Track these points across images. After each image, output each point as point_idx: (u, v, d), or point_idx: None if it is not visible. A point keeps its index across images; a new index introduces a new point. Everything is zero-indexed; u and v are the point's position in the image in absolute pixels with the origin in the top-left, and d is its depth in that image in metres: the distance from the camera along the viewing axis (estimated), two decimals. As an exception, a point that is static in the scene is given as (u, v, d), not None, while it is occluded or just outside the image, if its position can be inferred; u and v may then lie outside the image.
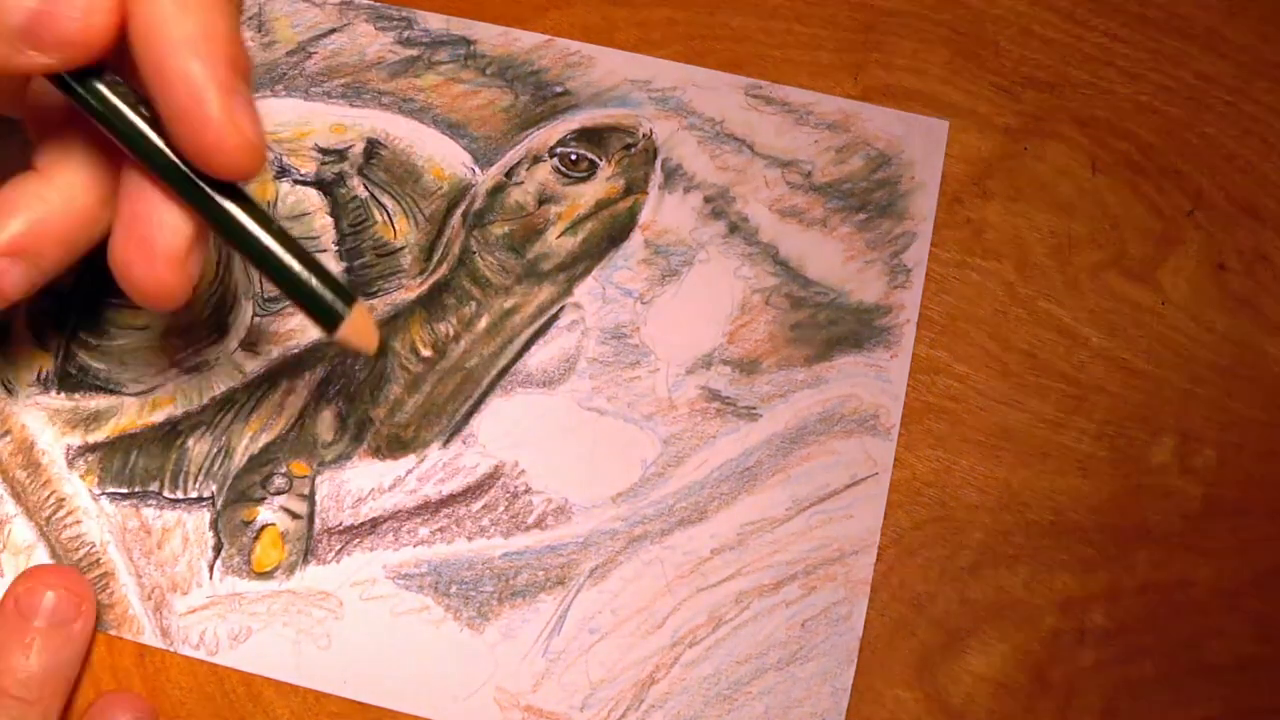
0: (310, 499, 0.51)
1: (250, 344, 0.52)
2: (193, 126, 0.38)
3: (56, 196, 0.41)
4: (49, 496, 0.51)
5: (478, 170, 0.54)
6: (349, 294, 0.42)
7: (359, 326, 0.42)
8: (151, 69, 0.38)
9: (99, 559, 0.50)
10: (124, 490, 0.51)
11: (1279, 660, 0.50)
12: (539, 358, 0.52)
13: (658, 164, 0.54)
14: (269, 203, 0.54)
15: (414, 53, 0.55)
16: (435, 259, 0.53)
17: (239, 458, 0.51)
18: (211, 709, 0.49)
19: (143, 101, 0.39)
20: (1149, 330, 0.53)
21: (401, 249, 0.54)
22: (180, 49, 0.37)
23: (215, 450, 0.51)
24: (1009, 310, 0.53)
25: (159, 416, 0.52)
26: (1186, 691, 0.50)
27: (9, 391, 0.52)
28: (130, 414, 0.52)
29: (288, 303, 0.52)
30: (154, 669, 0.50)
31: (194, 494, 0.51)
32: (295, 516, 0.51)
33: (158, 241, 0.40)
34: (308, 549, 0.50)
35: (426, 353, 0.52)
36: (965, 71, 0.55)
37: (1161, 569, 0.51)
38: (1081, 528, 0.51)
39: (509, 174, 0.54)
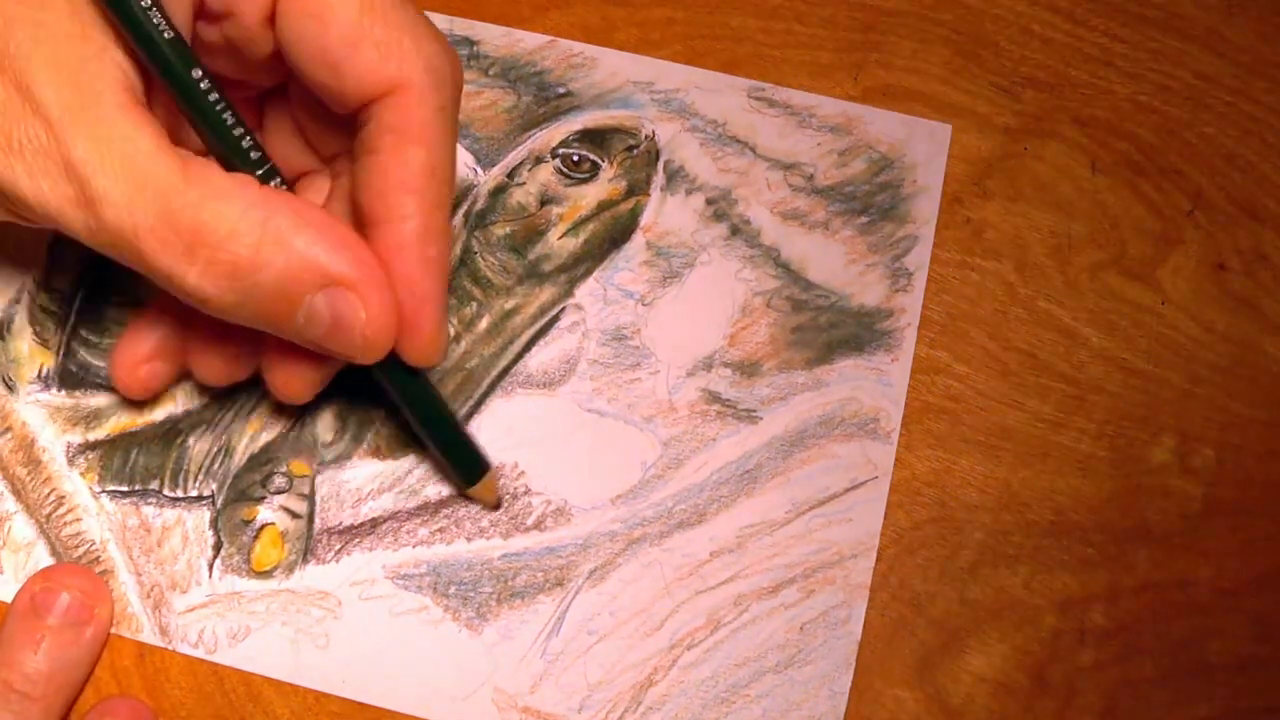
0: (310, 498, 0.51)
1: (251, 343, 0.52)
2: (409, 329, 0.45)
3: None
4: (49, 494, 0.51)
5: (480, 170, 0.54)
6: (486, 461, 0.50)
7: (489, 486, 0.50)
8: (395, 276, 0.44)
9: (98, 557, 0.50)
10: (124, 488, 0.51)
11: (1279, 660, 0.50)
12: (540, 359, 0.52)
13: (660, 166, 0.54)
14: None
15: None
16: (436, 259, 0.53)
17: (239, 457, 0.51)
18: (211, 709, 0.49)
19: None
20: (1149, 330, 0.53)
21: (402, 248, 0.54)
22: (419, 269, 0.45)
23: (216, 449, 0.51)
24: (1009, 310, 0.53)
25: (159, 415, 0.52)
26: (1186, 691, 0.50)
27: (10, 388, 0.52)
28: (131, 412, 0.52)
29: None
30: (154, 668, 0.50)
31: (194, 492, 0.51)
32: (295, 516, 0.51)
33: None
34: (307, 548, 0.50)
35: (427, 353, 0.52)
36: (965, 71, 0.55)
37: (1161, 569, 0.51)
38: (1081, 528, 0.51)
39: (511, 175, 0.54)
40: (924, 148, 0.54)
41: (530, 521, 0.51)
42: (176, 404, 0.52)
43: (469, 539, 0.50)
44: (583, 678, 0.49)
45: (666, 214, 0.54)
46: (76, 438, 0.51)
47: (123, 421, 0.52)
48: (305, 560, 0.50)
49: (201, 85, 0.42)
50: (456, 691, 0.49)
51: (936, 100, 0.55)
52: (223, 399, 0.51)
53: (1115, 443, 0.52)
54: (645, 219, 0.54)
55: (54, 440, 0.51)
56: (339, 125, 0.46)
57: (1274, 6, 0.56)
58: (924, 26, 0.56)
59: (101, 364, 0.52)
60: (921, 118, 0.55)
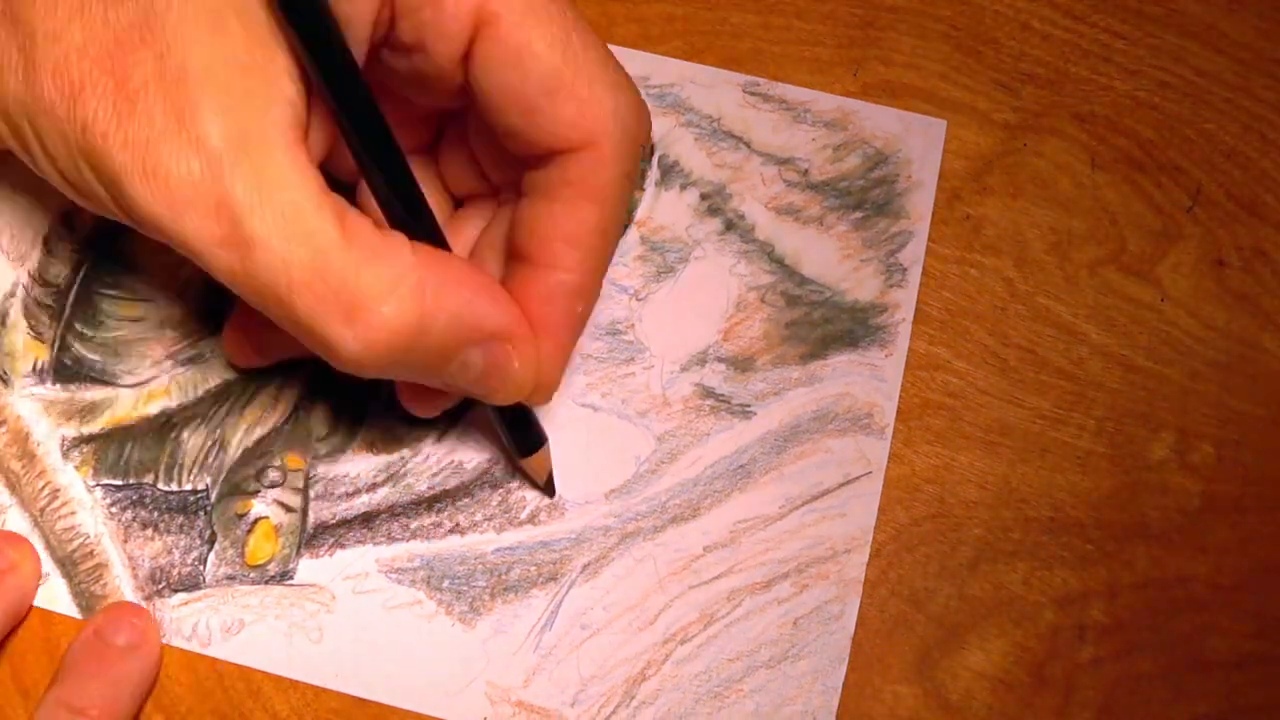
0: (304, 492, 0.51)
1: (246, 337, 0.53)
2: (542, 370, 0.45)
3: None
4: (44, 487, 0.51)
5: (475, 165, 0.54)
6: (543, 435, 0.50)
7: (542, 460, 0.50)
8: (537, 320, 0.45)
9: (93, 550, 0.50)
10: (119, 482, 0.51)
11: (1278, 657, 0.50)
12: (534, 353, 0.52)
13: (654, 160, 0.54)
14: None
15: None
16: (431, 254, 0.53)
17: (233, 450, 0.51)
18: (210, 704, 0.49)
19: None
20: (1148, 326, 0.53)
21: (398, 244, 0.54)
22: (562, 321, 0.45)
23: (210, 443, 0.51)
24: (1008, 306, 0.53)
25: (154, 409, 0.52)
26: (1185, 688, 0.49)
27: (4, 382, 0.52)
28: (125, 406, 0.52)
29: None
30: (151, 663, 0.50)
31: (188, 486, 0.51)
32: (289, 510, 0.51)
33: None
34: (301, 542, 0.50)
35: (421, 347, 0.52)
36: (965, 68, 0.55)
37: (1160, 565, 0.50)
38: (1080, 524, 0.51)
39: (507, 169, 0.54)
40: (919, 143, 0.54)
41: (524, 516, 0.51)
42: (171, 398, 0.52)
43: (462, 533, 0.50)
44: (576, 672, 0.49)
45: (661, 209, 0.54)
46: (71, 431, 0.51)
47: (117, 415, 0.52)
48: (299, 554, 0.50)
49: (378, 132, 0.41)
50: (450, 685, 0.49)
51: (936, 96, 0.55)
52: (217, 393, 0.51)
53: (1115, 439, 0.52)
54: (639, 214, 0.54)
55: (49, 434, 0.51)
56: (516, 160, 0.46)
57: (1274, 3, 0.56)
58: (924, 23, 0.56)
59: (96, 358, 0.52)
60: (918, 113, 0.55)
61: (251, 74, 0.39)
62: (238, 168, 0.38)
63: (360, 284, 0.39)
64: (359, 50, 0.41)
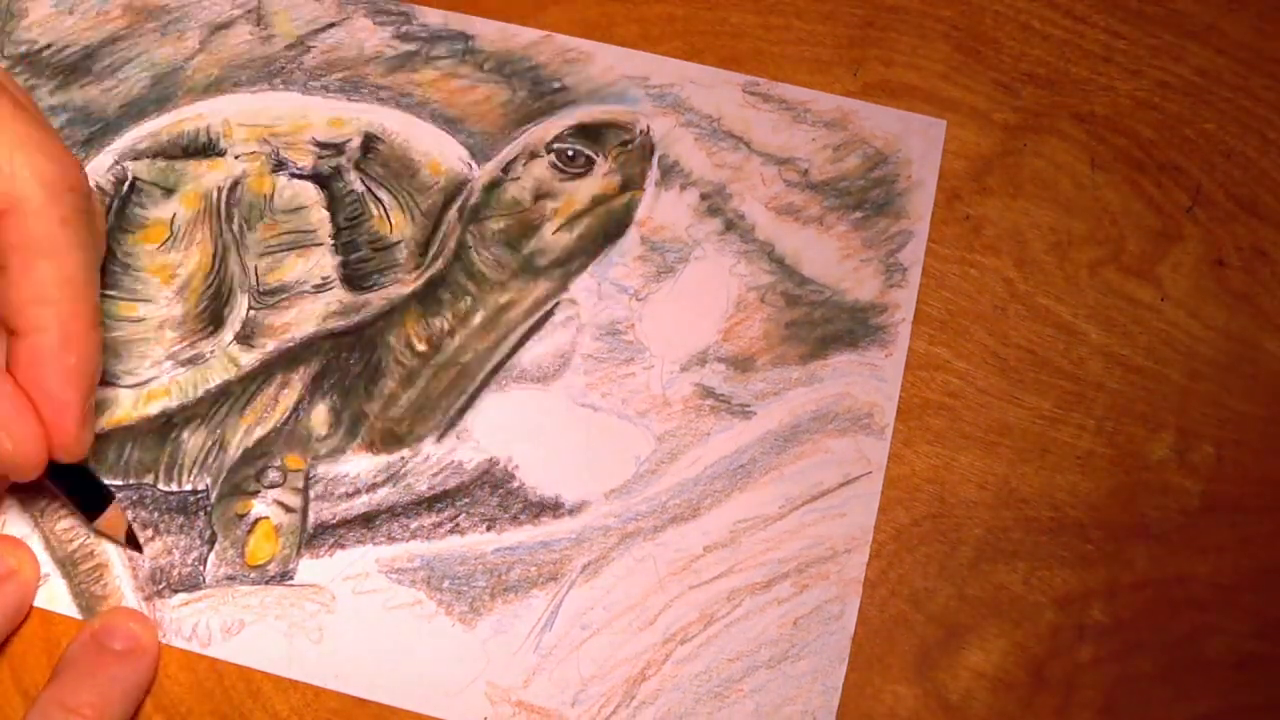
0: (304, 493, 0.51)
1: (245, 337, 0.53)
2: (51, 431, 0.46)
3: None
4: (43, 488, 0.51)
5: (474, 165, 0.54)
6: (108, 492, 0.50)
7: (114, 519, 0.50)
8: (37, 385, 0.45)
9: (93, 550, 0.50)
10: (119, 482, 0.51)
11: (1277, 656, 0.50)
12: (534, 353, 0.52)
13: (654, 161, 0.54)
14: (265, 196, 0.54)
15: (412, 48, 0.56)
16: (431, 254, 0.53)
17: (233, 451, 0.51)
18: (210, 704, 0.49)
19: None
20: (1148, 326, 0.53)
21: (397, 243, 0.54)
22: (58, 379, 0.45)
23: (210, 443, 0.51)
24: (1008, 306, 0.53)
25: (154, 409, 0.52)
26: (1185, 687, 0.49)
27: (4, 384, 0.52)
28: (125, 406, 0.52)
29: (285, 296, 0.53)
30: (152, 664, 0.50)
31: (188, 487, 0.51)
32: (289, 510, 0.51)
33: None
34: (301, 542, 0.50)
35: (421, 347, 0.52)
36: (965, 68, 0.55)
37: (1160, 565, 0.50)
38: (1080, 524, 0.51)
39: (506, 169, 0.54)
40: (919, 143, 0.54)
41: (524, 516, 0.51)
42: (171, 398, 0.52)
43: (462, 533, 0.50)
44: (576, 672, 0.49)
45: (661, 209, 0.54)
46: (71, 431, 0.51)
47: (117, 416, 0.52)
48: (299, 554, 0.50)
49: None
50: (450, 685, 0.49)
51: (936, 96, 0.55)
52: (217, 393, 0.51)
53: (1114, 439, 0.52)
54: (640, 214, 0.54)
55: (49, 434, 0.51)
56: None
57: (1274, 3, 0.56)
58: (924, 23, 0.56)
59: (96, 358, 0.52)
60: (917, 113, 0.55)
61: None
62: None
63: None
64: None
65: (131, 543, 0.50)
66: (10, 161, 0.43)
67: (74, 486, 0.49)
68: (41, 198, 0.44)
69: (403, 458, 0.51)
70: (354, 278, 0.53)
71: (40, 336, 0.45)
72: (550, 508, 0.51)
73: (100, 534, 0.51)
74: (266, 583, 0.50)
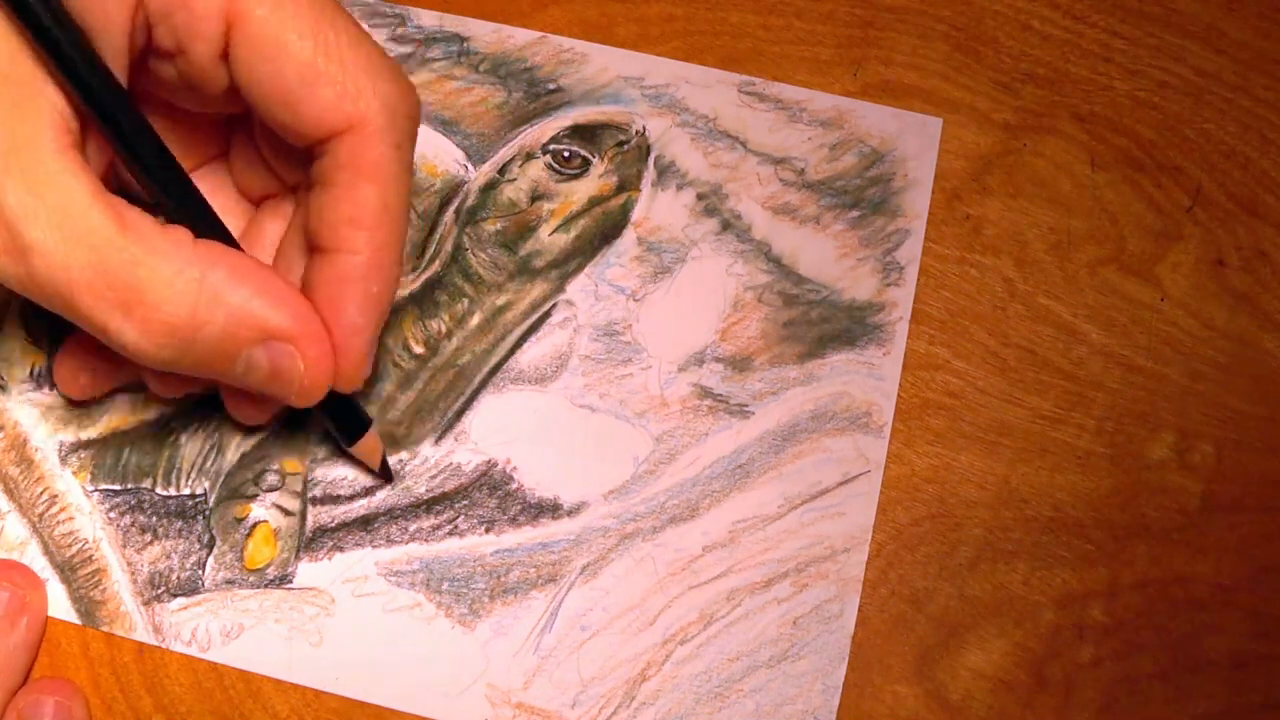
0: (303, 496, 0.51)
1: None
2: (337, 356, 0.45)
3: None
4: (42, 493, 0.51)
5: (470, 167, 0.54)
6: (367, 418, 0.50)
7: (370, 445, 0.50)
8: (333, 306, 0.45)
9: (91, 555, 0.50)
10: (117, 487, 0.51)
11: (1277, 656, 0.49)
12: (531, 355, 0.52)
13: (650, 161, 0.54)
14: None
15: (407, 50, 0.56)
16: (428, 255, 0.53)
17: (231, 454, 0.51)
18: (210, 706, 0.49)
19: None
20: (1148, 326, 0.53)
21: (395, 246, 0.54)
22: (357, 303, 0.45)
23: (208, 447, 0.51)
24: (1008, 306, 0.53)
25: (152, 413, 0.52)
26: (1185, 688, 0.49)
27: (2, 388, 0.52)
28: (123, 411, 0.52)
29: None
30: (153, 665, 0.50)
31: (186, 491, 0.51)
32: (288, 513, 0.51)
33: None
34: (300, 546, 0.50)
35: (419, 349, 0.52)
36: (964, 67, 0.55)
37: (1160, 565, 0.50)
38: (1080, 524, 0.51)
39: (502, 171, 0.54)
40: (915, 141, 0.54)
41: (523, 517, 0.51)
42: (169, 403, 0.52)
43: (461, 535, 0.50)
44: (576, 673, 0.49)
45: (657, 209, 0.54)
46: (69, 437, 0.51)
47: (115, 420, 0.52)
48: (298, 557, 0.50)
49: (138, 133, 0.42)
50: (450, 688, 0.49)
51: (936, 96, 0.55)
52: (215, 398, 0.51)
53: (1114, 439, 0.52)
54: (636, 214, 0.54)
55: (46, 439, 0.51)
56: (300, 154, 0.46)
57: (1274, 3, 0.56)
58: (924, 23, 0.56)
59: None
60: (914, 112, 0.55)
61: (13, 85, 0.40)
62: (8, 174, 0.39)
63: (137, 278, 0.40)
64: (118, 58, 0.42)
65: (384, 471, 0.51)
66: (356, 83, 0.43)
67: (337, 413, 0.49)
68: (382, 120, 0.44)
69: (401, 460, 0.51)
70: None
71: (349, 259, 0.45)
72: (549, 509, 0.51)
73: (352, 460, 0.51)
74: (265, 586, 0.50)
